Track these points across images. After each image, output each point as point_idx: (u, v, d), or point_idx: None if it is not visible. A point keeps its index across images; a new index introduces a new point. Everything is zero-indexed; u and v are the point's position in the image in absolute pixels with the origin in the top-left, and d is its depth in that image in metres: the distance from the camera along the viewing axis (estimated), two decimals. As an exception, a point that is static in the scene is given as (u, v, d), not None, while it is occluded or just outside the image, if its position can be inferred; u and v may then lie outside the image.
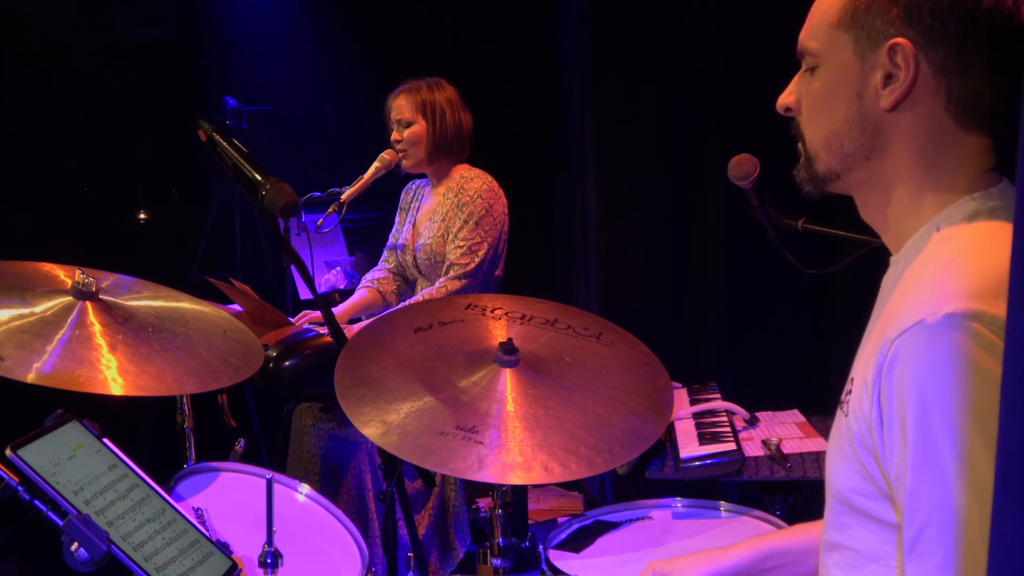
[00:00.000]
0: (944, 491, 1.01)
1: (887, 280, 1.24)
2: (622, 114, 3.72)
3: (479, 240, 3.11)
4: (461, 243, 3.10)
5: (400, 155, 3.23)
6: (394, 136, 3.24)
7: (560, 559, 1.95)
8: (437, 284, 3.11)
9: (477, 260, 3.09)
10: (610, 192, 3.79)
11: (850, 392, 1.18)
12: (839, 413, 1.21)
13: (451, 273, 3.10)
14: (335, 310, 3.21)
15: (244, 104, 4.35)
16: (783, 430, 2.46)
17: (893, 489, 1.10)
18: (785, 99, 1.27)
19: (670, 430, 2.43)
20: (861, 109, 1.18)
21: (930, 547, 1.03)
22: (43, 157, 4.81)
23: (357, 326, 3.08)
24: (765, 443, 2.35)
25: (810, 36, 1.23)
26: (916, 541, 1.05)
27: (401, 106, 3.21)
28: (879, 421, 1.09)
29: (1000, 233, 1.12)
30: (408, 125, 3.20)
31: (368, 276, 3.42)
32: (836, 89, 1.20)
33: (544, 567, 1.94)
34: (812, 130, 1.24)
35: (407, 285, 3.38)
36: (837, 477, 1.19)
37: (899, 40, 1.14)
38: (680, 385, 2.72)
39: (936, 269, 1.10)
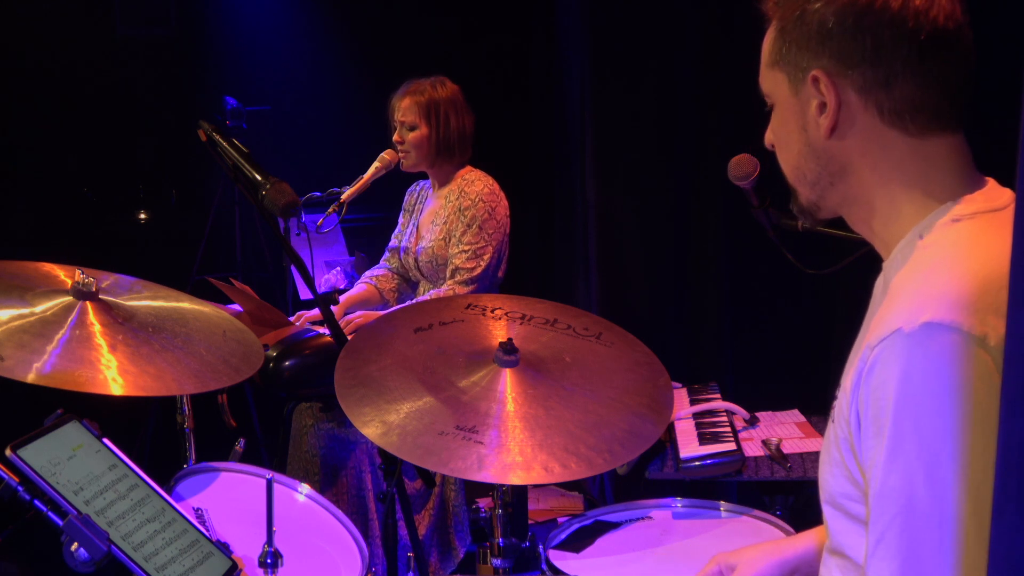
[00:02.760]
0: (908, 497, 1.02)
1: (878, 286, 1.24)
2: (622, 114, 3.71)
3: (483, 244, 3.11)
4: (465, 248, 3.10)
5: (401, 156, 3.23)
6: (396, 136, 3.23)
7: (560, 559, 1.95)
8: (444, 288, 3.11)
9: (483, 264, 3.10)
10: (610, 192, 3.79)
11: (836, 399, 1.18)
12: (829, 421, 1.21)
13: (457, 278, 3.09)
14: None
15: (244, 104, 4.35)
16: (783, 430, 2.46)
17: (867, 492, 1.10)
18: (767, 138, 1.31)
19: (670, 430, 2.42)
20: (808, 141, 1.21)
21: (890, 551, 1.04)
22: (43, 157, 4.81)
23: (349, 316, 3.10)
24: (765, 443, 2.35)
25: (761, 79, 1.28)
26: (878, 544, 1.05)
27: (406, 108, 3.19)
28: (857, 426, 1.10)
29: (982, 238, 1.12)
30: (412, 128, 3.19)
31: (369, 272, 3.42)
32: (787, 125, 1.24)
33: (544, 567, 1.94)
34: (783, 165, 1.29)
35: (407, 285, 3.38)
36: (828, 483, 1.19)
37: (815, 72, 1.17)
38: (680, 385, 2.72)
39: (916, 277, 1.11)
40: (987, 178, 1.20)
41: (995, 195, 1.18)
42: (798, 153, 1.23)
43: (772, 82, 1.25)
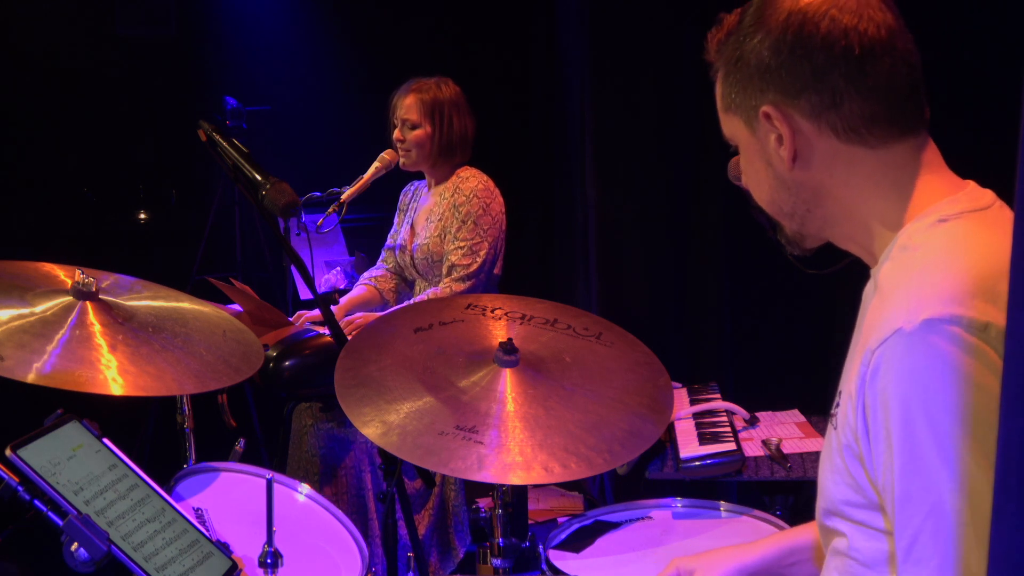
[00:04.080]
0: (935, 497, 1.01)
1: (867, 292, 1.24)
2: (622, 114, 3.71)
3: (479, 240, 3.10)
4: (461, 244, 3.10)
5: (401, 154, 3.23)
6: (396, 135, 3.22)
7: (560, 559, 1.95)
8: (441, 285, 3.11)
9: (479, 260, 3.09)
10: (610, 192, 3.79)
11: (838, 405, 1.18)
12: (829, 426, 1.21)
13: (454, 275, 3.09)
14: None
15: (244, 104, 4.35)
16: (783, 430, 2.46)
17: (882, 498, 1.10)
18: (743, 181, 1.33)
19: (670, 430, 2.42)
20: (775, 174, 1.24)
21: (925, 554, 1.03)
22: (43, 157, 4.81)
23: (350, 316, 3.10)
24: (765, 443, 2.35)
25: (721, 125, 1.30)
26: (911, 549, 1.04)
27: (409, 106, 3.18)
28: (864, 431, 1.09)
29: (970, 236, 1.12)
30: (414, 128, 3.18)
31: (367, 274, 3.42)
32: (753, 164, 1.27)
33: (544, 567, 1.94)
34: (760, 203, 1.31)
35: (405, 285, 3.38)
36: (830, 490, 1.19)
37: (764, 108, 1.19)
38: (680, 385, 2.72)
39: (910, 277, 1.11)
40: (967, 180, 1.21)
41: (977, 195, 1.18)
42: (770, 188, 1.25)
43: (731, 126, 1.27)
